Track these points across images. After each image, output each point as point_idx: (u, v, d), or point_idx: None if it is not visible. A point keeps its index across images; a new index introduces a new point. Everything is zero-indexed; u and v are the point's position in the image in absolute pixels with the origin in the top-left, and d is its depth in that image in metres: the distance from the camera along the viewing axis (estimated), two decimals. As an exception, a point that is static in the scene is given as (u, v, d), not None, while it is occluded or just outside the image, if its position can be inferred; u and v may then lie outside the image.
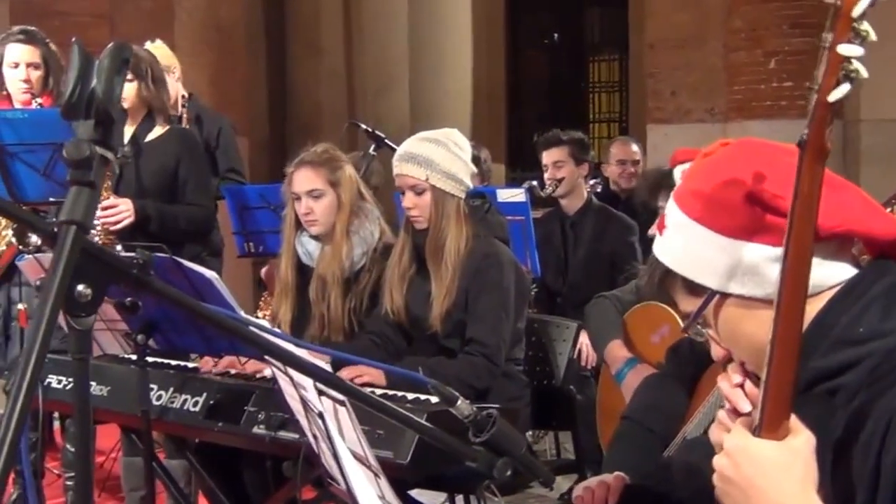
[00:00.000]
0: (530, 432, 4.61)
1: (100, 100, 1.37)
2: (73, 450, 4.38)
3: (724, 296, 1.48)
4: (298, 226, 3.64)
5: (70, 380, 3.25)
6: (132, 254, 1.67)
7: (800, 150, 1.21)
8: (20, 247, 3.94)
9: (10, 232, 4.03)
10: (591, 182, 6.05)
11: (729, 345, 1.53)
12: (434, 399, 2.66)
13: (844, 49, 1.15)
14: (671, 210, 1.55)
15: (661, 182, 2.77)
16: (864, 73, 1.16)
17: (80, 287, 1.33)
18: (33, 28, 4.35)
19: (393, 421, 1.76)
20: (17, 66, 4.20)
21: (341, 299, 3.55)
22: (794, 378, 1.25)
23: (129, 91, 4.14)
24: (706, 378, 2.58)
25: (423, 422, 1.87)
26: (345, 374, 3.16)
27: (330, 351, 3.19)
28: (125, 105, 4.17)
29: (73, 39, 1.41)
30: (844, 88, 1.16)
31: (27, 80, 4.19)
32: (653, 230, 2.75)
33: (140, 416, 3.02)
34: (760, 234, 1.45)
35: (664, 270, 1.56)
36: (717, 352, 1.56)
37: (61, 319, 1.32)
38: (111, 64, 1.39)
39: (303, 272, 3.69)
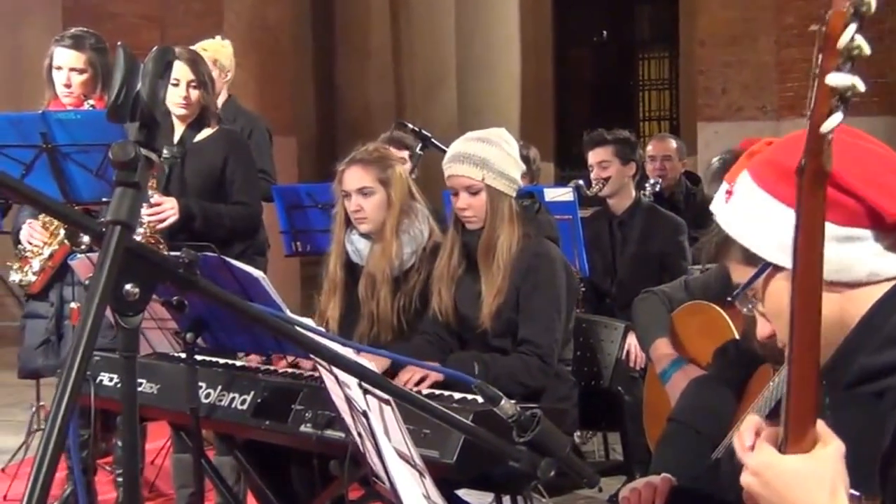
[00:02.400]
0: (578, 433, 4.59)
1: (144, 103, 1.39)
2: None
3: (777, 269, 1.47)
4: (348, 224, 3.66)
5: (120, 377, 3.29)
6: (178, 253, 1.69)
7: (798, 178, 1.19)
8: (72, 246, 3.99)
9: (62, 231, 4.08)
10: (652, 181, 6.01)
11: (774, 321, 1.51)
12: (480, 399, 2.65)
13: (833, 79, 1.12)
14: (741, 178, 1.53)
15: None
16: (860, 87, 1.12)
17: (128, 286, 1.34)
18: (85, 32, 4.40)
19: (438, 421, 1.76)
20: (60, 69, 4.27)
21: (391, 298, 3.55)
22: (816, 391, 1.22)
23: (194, 97, 4.22)
24: (755, 380, 2.55)
25: (466, 421, 1.86)
26: (404, 377, 3.16)
27: (378, 350, 3.21)
28: (187, 112, 4.24)
29: (119, 43, 1.44)
30: (837, 118, 1.13)
31: (67, 85, 4.26)
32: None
33: (189, 413, 3.05)
34: None
35: (724, 238, 1.56)
36: (762, 329, 1.56)
37: (111, 317, 1.34)
38: (155, 68, 1.41)
39: (352, 270, 3.69)
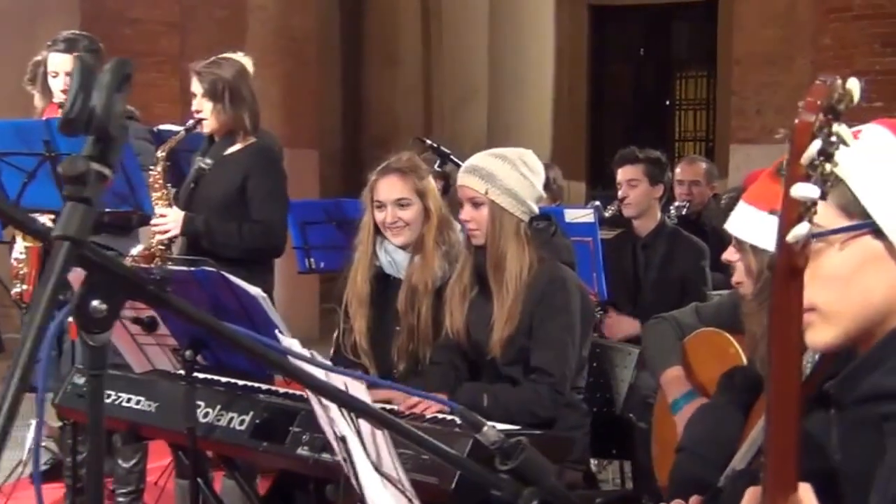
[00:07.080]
0: (595, 461, 4.50)
1: (98, 116, 1.33)
2: (125, 466, 4.39)
3: (875, 233, 1.40)
4: (377, 233, 3.57)
5: (118, 393, 3.24)
6: (150, 266, 1.64)
7: (771, 273, 1.16)
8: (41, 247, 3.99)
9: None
10: (677, 204, 5.91)
11: (825, 282, 1.40)
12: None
13: (797, 191, 1.08)
14: (880, 132, 1.46)
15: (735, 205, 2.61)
16: (815, 196, 1.09)
17: (95, 302, 1.31)
18: (78, 35, 4.37)
19: (422, 448, 1.69)
20: (56, 75, 4.26)
21: (432, 311, 3.48)
22: (796, 462, 1.18)
23: (207, 112, 4.13)
24: (759, 406, 2.48)
25: (446, 448, 1.78)
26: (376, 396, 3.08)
27: (374, 379, 3.14)
28: (207, 129, 4.17)
29: (76, 55, 1.39)
30: (804, 228, 1.10)
31: (65, 91, 4.23)
32: (727, 254, 2.63)
33: (185, 433, 2.98)
34: None
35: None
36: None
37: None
38: (112, 80, 1.36)
39: (380, 282, 3.60)
